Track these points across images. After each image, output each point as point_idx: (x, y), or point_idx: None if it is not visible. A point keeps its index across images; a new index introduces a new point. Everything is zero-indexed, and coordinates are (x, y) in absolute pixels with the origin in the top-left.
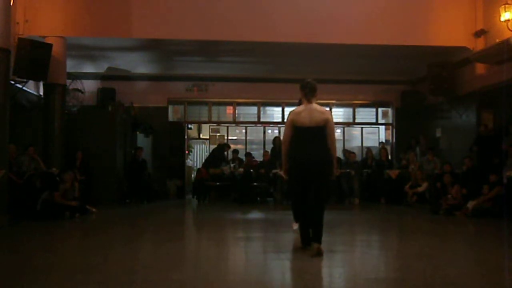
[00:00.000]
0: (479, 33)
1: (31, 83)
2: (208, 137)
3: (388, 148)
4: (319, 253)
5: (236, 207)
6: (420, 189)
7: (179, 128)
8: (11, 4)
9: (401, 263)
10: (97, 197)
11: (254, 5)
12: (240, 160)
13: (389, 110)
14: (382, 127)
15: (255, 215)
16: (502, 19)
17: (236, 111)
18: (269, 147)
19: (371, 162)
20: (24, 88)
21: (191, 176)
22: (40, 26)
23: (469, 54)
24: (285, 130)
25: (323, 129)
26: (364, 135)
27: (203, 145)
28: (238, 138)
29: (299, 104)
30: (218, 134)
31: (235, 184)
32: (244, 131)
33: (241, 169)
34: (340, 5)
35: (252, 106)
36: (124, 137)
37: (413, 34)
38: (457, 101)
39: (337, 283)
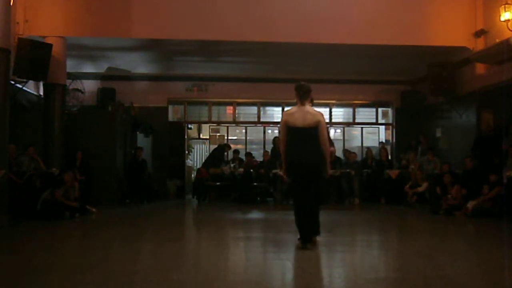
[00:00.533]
0: (479, 33)
1: (31, 83)
2: (208, 137)
3: (388, 148)
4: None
5: (236, 207)
6: (420, 189)
7: (179, 128)
8: (11, 4)
9: (401, 263)
10: (97, 197)
11: (254, 5)
12: (240, 160)
13: (389, 110)
14: (382, 127)
15: (255, 215)
16: (502, 19)
17: (236, 111)
18: (269, 147)
19: (371, 162)
20: (24, 88)
21: (191, 176)
22: (40, 26)
23: (469, 54)
24: (281, 131)
25: (315, 130)
26: (364, 135)
27: (203, 145)
28: (238, 138)
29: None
30: (218, 134)
31: (235, 184)
32: (244, 131)
33: (241, 169)
34: (340, 5)
35: (252, 106)
36: (124, 137)
37: (413, 34)
38: (457, 101)
39: (337, 283)
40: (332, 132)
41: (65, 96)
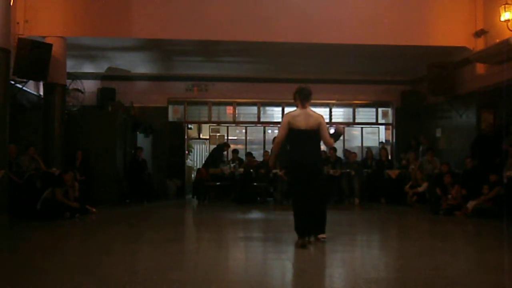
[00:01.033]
0: (479, 33)
1: (31, 83)
2: (208, 137)
3: (388, 148)
4: (323, 240)
5: (236, 207)
6: (420, 189)
7: (179, 128)
8: (11, 4)
9: (401, 263)
10: (97, 197)
11: (254, 5)
12: (240, 160)
13: (389, 110)
14: (382, 127)
15: (255, 215)
16: (502, 19)
17: (236, 111)
18: (269, 147)
19: (371, 162)
20: (24, 88)
21: (191, 176)
22: (40, 26)
23: (469, 54)
24: (280, 131)
25: (316, 132)
26: (364, 135)
27: (203, 145)
28: (238, 138)
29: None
30: (218, 134)
31: (235, 184)
32: (244, 131)
33: (241, 169)
34: (340, 5)
35: (252, 106)
36: (124, 137)
37: (413, 34)
38: (457, 101)
39: (337, 283)
40: (332, 131)
41: (65, 96)
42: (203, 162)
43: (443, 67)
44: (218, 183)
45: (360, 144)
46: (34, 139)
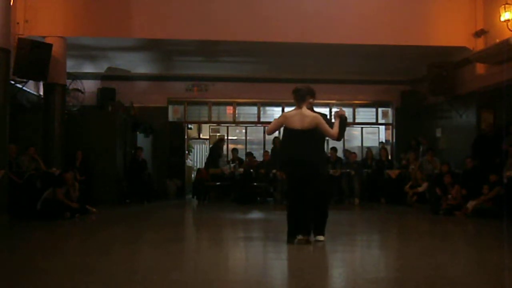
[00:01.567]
0: (479, 33)
1: (31, 83)
2: (208, 137)
3: (388, 148)
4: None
5: (236, 207)
6: (420, 189)
7: (179, 128)
8: (11, 4)
9: (401, 263)
10: (97, 197)
11: (254, 5)
12: (240, 160)
13: (389, 110)
14: (382, 127)
15: (255, 215)
16: (502, 19)
17: (236, 111)
18: (269, 147)
19: (371, 162)
20: (24, 88)
21: (191, 176)
22: (40, 26)
23: (469, 54)
24: (274, 123)
25: (312, 132)
26: (364, 135)
27: (203, 145)
28: (238, 138)
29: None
30: (218, 134)
31: (235, 184)
32: (244, 131)
33: (241, 169)
34: (340, 5)
35: (252, 106)
36: (124, 137)
37: (413, 34)
38: (457, 101)
39: (337, 283)
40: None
41: (65, 96)
42: (204, 162)
43: (443, 67)
44: (218, 183)
45: (360, 144)
46: (34, 139)
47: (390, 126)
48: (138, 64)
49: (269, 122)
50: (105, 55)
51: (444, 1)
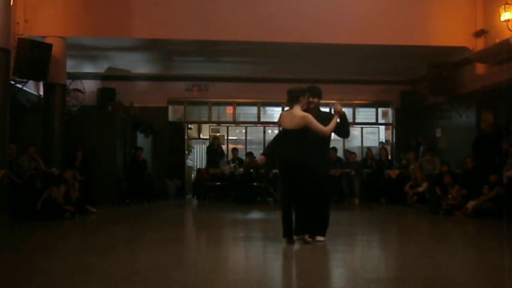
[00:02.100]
0: (479, 33)
1: (31, 83)
2: (208, 137)
3: (388, 148)
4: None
5: (236, 207)
6: (420, 189)
7: (179, 128)
8: (11, 4)
9: (401, 263)
10: (97, 197)
11: (254, 5)
12: (240, 160)
13: (389, 110)
14: (382, 127)
15: (255, 215)
16: (502, 19)
17: (236, 111)
18: None
19: (371, 162)
20: (24, 88)
21: (191, 176)
22: (40, 26)
23: (469, 54)
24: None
25: (301, 132)
26: (364, 135)
27: (203, 145)
28: (238, 138)
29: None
30: (218, 134)
31: (235, 184)
32: (244, 131)
33: (241, 169)
34: (340, 5)
35: (252, 106)
36: (124, 137)
37: (413, 34)
38: (457, 101)
39: (337, 283)
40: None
41: (65, 96)
42: (204, 163)
43: (443, 67)
44: (218, 183)
45: (360, 144)
46: (34, 139)
47: (390, 126)
48: (138, 64)
49: (269, 122)
50: (105, 55)
51: (444, 1)
